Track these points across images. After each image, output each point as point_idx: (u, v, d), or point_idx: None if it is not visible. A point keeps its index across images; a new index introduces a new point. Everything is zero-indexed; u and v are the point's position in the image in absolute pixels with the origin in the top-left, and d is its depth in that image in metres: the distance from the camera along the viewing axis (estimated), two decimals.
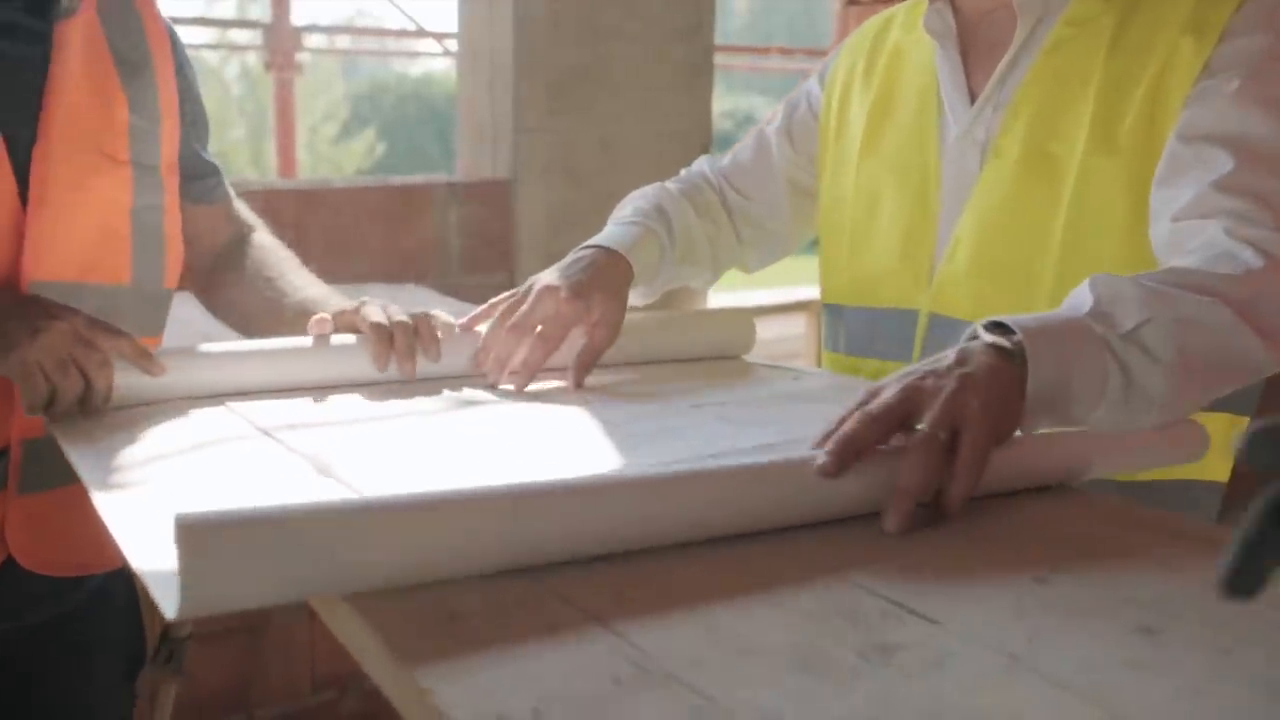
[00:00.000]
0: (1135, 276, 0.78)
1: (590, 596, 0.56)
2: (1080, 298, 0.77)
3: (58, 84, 0.99)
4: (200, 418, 0.91)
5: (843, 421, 0.69)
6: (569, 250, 1.13)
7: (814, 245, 1.27)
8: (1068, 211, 0.94)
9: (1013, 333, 0.73)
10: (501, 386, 1.04)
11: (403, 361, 1.01)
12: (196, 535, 0.51)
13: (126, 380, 0.92)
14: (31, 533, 1.01)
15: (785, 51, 8.76)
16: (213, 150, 1.22)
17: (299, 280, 1.17)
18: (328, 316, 1.03)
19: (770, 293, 5.69)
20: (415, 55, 14.34)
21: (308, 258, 1.23)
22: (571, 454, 0.83)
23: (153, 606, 0.56)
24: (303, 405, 0.96)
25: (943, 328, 1.02)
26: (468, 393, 1.02)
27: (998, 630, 0.52)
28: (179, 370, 0.95)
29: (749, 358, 1.23)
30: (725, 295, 5.00)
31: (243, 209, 1.26)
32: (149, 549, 0.60)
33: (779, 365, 1.18)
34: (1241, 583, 0.43)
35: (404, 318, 1.03)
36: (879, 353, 1.10)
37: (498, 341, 1.04)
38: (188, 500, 0.69)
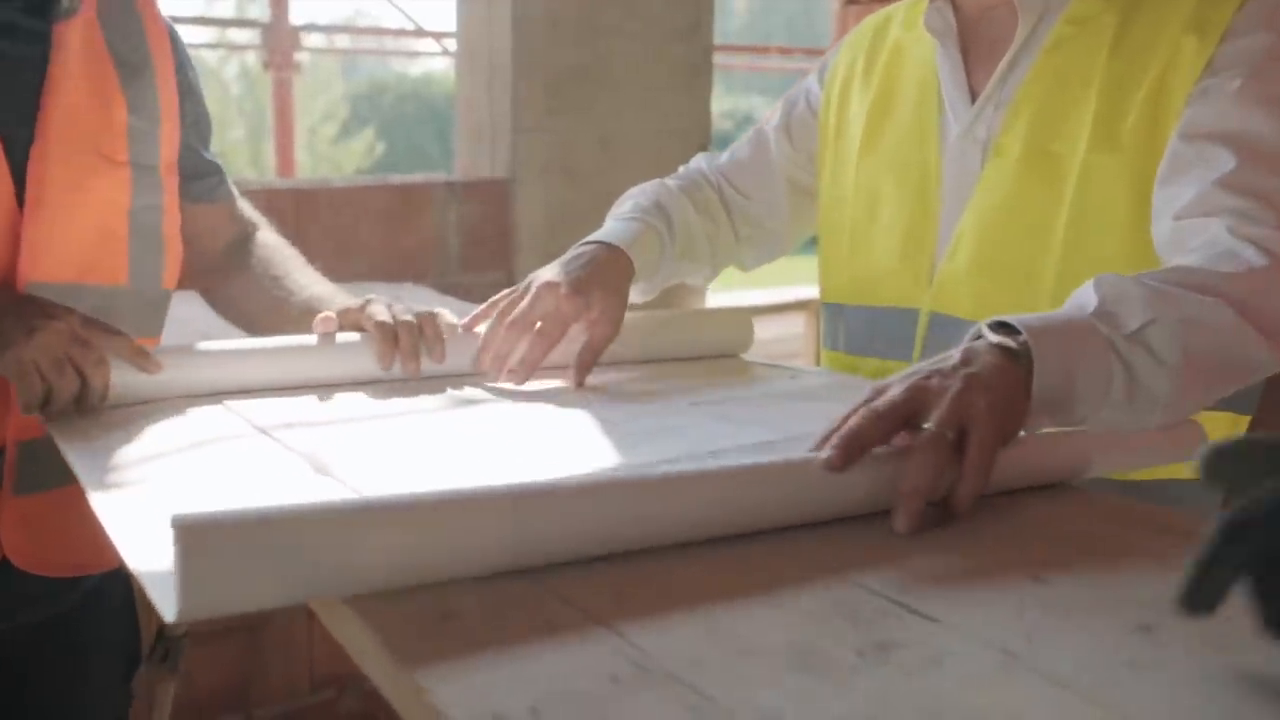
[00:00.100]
0: (1139, 276, 0.77)
1: (590, 596, 0.55)
2: (1085, 297, 0.76)
3: (56, 85, 0.99)
4: (198, 416, 0.91)
5: (847, 418, 0.69)
6: (567, 250, 1.13)
7: (812, 244, 1.27)
8: (1069, 210, 0.94)
9: (1017, 332, 0.73)
10: (500, 383, 1.03)
11: (407, 361, 1.01)
12: (194, 536, 0.51)
13: (123, 379, 0.92)
14: (27, 533, 1.00)
15: (784, 51, 8.75)
16: (212, 150, 1.22)
17: (304, 278, 1.17)
18: (333, 315, 1.03)
19: (768, 292, 5.68)
20: (414, 55, 14.33)
21: (307, 257, 1.23)
22: (571, 452, 0.82)
23: (149, 606, 0.56)
24: (301, 404, 0.95)
25: (943, 327, 1.02)
26: (469, 391, 1.01)
27: (997, 629, 0.52)
28: (176, 369, 0.95)
29: (747, 357, 1.23)
30: (724, 295, 5.01)
31: (247, 208, 1.26)
32: (146, 549, 0.60)
33: (777, 364, 1.17)
34: (1197, 600, 0.44)
35: (409, 317, 1.03)
36: (879, 352, 1.10)
37: (497, 338, 1.04)
38: (184, 500, 0.69)
